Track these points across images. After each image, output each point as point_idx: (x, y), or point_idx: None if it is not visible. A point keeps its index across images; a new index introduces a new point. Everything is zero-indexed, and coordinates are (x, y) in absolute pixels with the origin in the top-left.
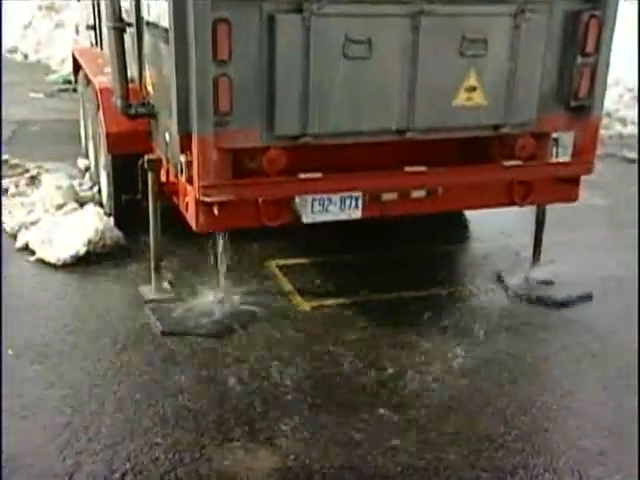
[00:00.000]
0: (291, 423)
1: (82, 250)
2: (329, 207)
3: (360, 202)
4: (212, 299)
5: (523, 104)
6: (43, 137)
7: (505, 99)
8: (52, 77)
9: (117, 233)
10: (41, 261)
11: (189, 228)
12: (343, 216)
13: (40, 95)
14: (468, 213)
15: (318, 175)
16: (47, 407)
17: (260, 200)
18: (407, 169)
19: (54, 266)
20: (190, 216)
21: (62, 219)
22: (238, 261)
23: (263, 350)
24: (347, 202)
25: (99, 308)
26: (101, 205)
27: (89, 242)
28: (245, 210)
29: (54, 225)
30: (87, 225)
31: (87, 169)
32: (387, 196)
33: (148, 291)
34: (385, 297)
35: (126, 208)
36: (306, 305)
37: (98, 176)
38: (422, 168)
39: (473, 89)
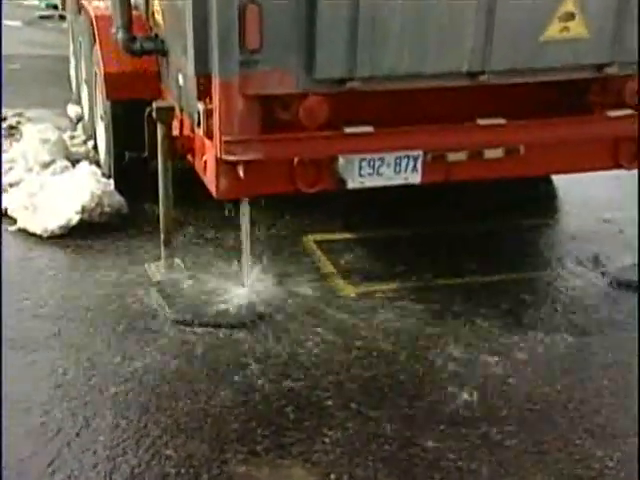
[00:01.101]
0: (332, 435)
1: (74, 219)
2: (381, 169)
3: (420, 163)
4: (235, 281)
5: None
6: (23, 78)
7: (613, 30)
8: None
9: (118, 199)
10: (23, 232)
11: (207, 194)
12: (398, 181)
13: (18, 23)
14: (556, 179)
15: (368, 129)
16: (33, 410)
17: (295, 160)
18: (480, 122)
19: (39, 238)
20: (209, 179)
21: (49, 180)
22: (267, 236)
23: (297, 345)
24: (404, 163)
25: (95, 291)
26: (98, 164)
27: (83, 209)
28: (276, 173)
29: (39, 187)
30: (80, 188)
31: (79, 119)
32: (454, 156)
33: (156, 270)
34: (448, 282)
35: (129, 168)
36: (350, 290)
37: (94, 128)
38: (500, 121)
39: (570, 17)
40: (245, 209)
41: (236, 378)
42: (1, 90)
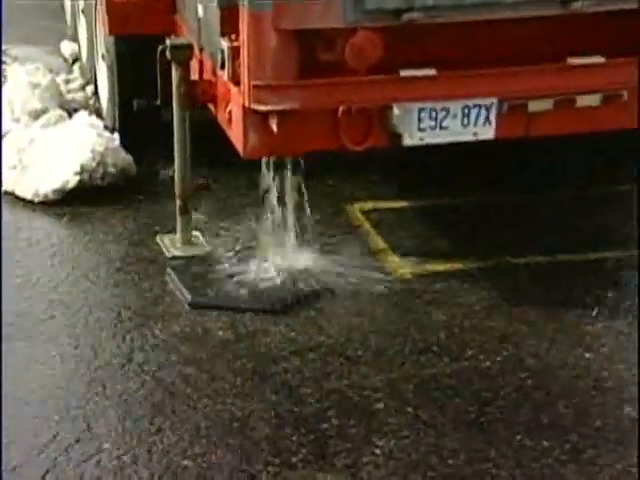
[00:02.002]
0: (383, 445)
1: (72, 181)
2: (445, 122)
3: (494, 114)
4: (265, 259)
5: None
6: (8, 7)
7: None
8: None
9: (124, 157)
10: (10, 196)
11: (233, 152)
12: (466, 136)
13: None
14: None
15: (430, 72)
16: (23, 410)
17: (340, 111)
18: (572, 61)
19: (30, 204)
20: (234, 134)
21: (40, 134)
22: (305, 203)
23: (340, 336)
24: (473, 114)
25: (97, 269)
26: (99, 114)
27: (82, 169)
28: (317, 126)
29: (29, 142)
30: (78, 144)
31: (76, 59)
32: (537, 105)
33: (171, 244)
34: (526, 261)
35: (138, 119)
36: (406, 270)
37: (94, 70)
38: (597, 59)
39: None
40: (278, 172)
41: (267, 375)
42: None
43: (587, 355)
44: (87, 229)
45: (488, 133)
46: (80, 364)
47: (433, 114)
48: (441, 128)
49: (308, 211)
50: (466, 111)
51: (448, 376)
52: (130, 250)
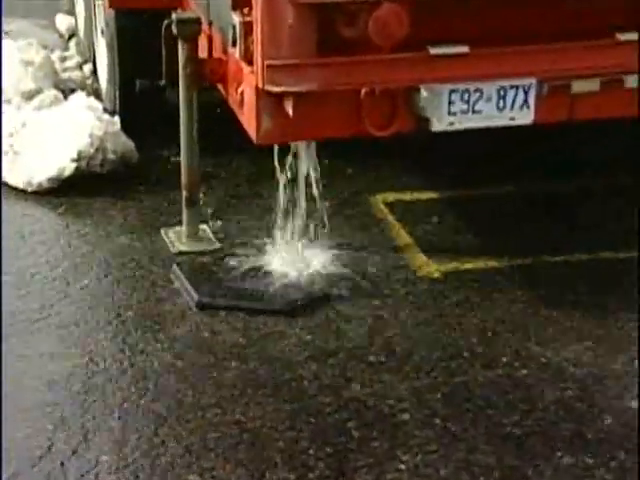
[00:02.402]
0: (408, 460)
1: (68, 169)
2: (478, 105)
3: (533, 96)
4: (280, 255)
5: None
6: None
7: None
8: None
9: (125, 142)
10: (1, 185)
11: (245, 137)
12: (502, 121)
13: None
14: None
15: (462, 50)
16: (15, 418)
17: (363, 93)
18: (620, 37)
19: (22, 193)
20: (246, 117)
21: (34, 116)
22: (324, 194)
23: (361, 340)
24: (510, 96)
25: (95, 265)
26: (98, 95)
27: (79, 156)
28: (337, 109)
29: (21, 126)
30: (75, 128)
31: (72, 34)
32: (581, 86)
33: (176, 238)
34: (565, 259)
35: (140, 101)
36: (434, 269)
37: (92, 46)
38: None
39: None
40: (295, 159)
41: (281, 382)
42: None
43: (636, 363)
44: (85, 221)
45: (526, 117)
46: (77, 369)
47: (465, 96)
48: (474, 112)
49: (326, 203)
50: (502, 93)
51: (480, 385)
52: (131, 245)
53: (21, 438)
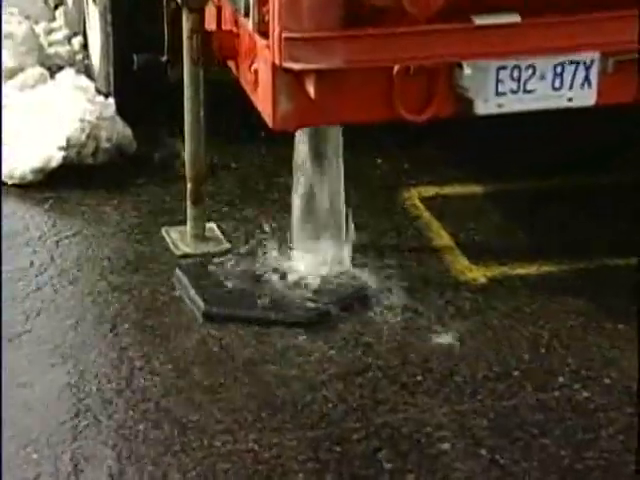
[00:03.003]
0: None
1: (56, 159)
2: (531, 84)
3: (595, 74)
4: (300, 258)
5: None
6: None
7: None
8: None
9: (121, 129)
10: None
11: (259, 121)
12: (558, 102)
13: None
14: None
15: (512, 19)
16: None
17: (396, 71)
18: None
19: (3, 186)
20: (261, 99)
21: (16, 98)
22: (351, 188)
23: (393, 356)
24: (568, 74)
25: (87, 268)
26: (89, 74)
27: (68, 144)
28: (366, 90)
29: (2, 109)
30: (64, 111)
31: (59, 3)
32: None
33: (180, 239)
34: (627, 262)
35: (139, 80)
36: (478, 274)
37: (83, 17)
38: None
39: None
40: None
41: (302, 405)
42: None
43: None
44: (74, 220)
45: (587, 98)
46: (66, 389)
47: (515, 74)
48: (525, 92)
49: (353, 198)
50: (558, 70)
51: (533, 409)
52: (128, 246)
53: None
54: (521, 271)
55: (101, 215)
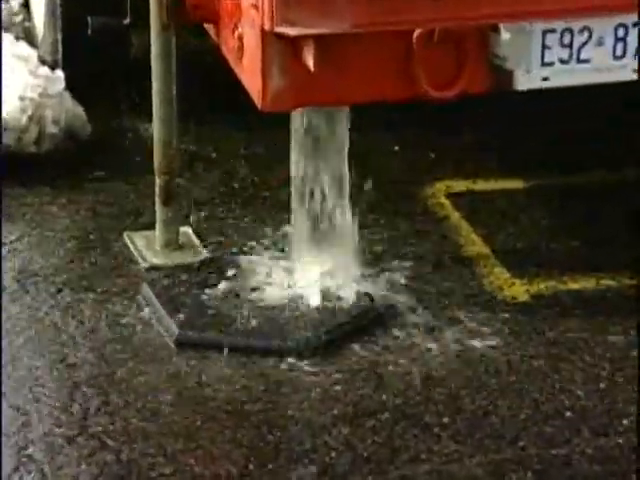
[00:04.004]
0: None
1: None
2: (585, 51)
3: None
4: (296, 270)
5: None
6: None
7: None
8: None
9: (72, 108)
10: None
11: (246, 100)
12: (620, 74)
13: None
14: None
15: None
16: None
17: (416, 37)
18: None
19: None
20: (248, 72)
21: None
22: (361, 183)
23: (413, 391)
24: (633, 38)
25: (31, 284)
26: (32, 40)
27: (6, 127)
28: (379, 61)
29: None
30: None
31: None
32: None
33: (147, 247)
34: None
35: (94, 48)
36: (519, 289)
37: None
38: None
39: None
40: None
41: (300, 453)
42: None
43: None
44: (14, 224)
45: None
46: (4, 436)
47: (566, 39)
48: (579, 61)
49: (363, 195)
50: (621, 33)
51: (590, 460)
52: (82, 256)
53: None
54: (574, 286)
55: (47, 217)
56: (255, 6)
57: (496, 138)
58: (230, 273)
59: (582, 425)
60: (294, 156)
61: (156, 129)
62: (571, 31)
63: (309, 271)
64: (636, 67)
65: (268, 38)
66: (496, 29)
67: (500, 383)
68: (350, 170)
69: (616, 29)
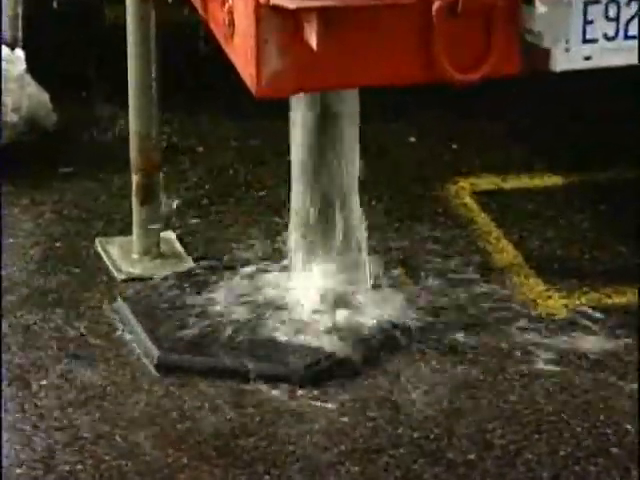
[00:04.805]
0: None
1: None
2: (633, 25)
3: None
4: (295, 283)
5: None
6: None
7: None
8: None
9: (35, 94)
10: None
11: (238, 84)
12: None
13: None
14: None
15: None
16: None
17: (435, 9)
18: None
19: None
20: (241, 53)
21: None
22: (372, 179)
23: (433, 424)
24: None
25: None
26: None
27: None
28: (393, 38)
29: None
30: None
31: None
32: None
33: (123, 256)
34: None
35: (60, 25)
36: (558, 303)
37: None
38: None
39: None
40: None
41: None
42: None
43: None
44: None
45: None
46: None
47: (612, 11)
48: (627, 37)
49: (375, 194)
50: None
51: None
52: (46, 265)
53: None
54: (620, 299)
55: (7, 221)
56: None
57: (529, 125)
58: (219, 285)
59: (631, 464)
60: (292, 149)
61: (132, 118)
62: (617, 3)
63: (310, 285)
64: None
65: (263, 11)
66: (529, 0)
67: (535, 414)
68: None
69: None
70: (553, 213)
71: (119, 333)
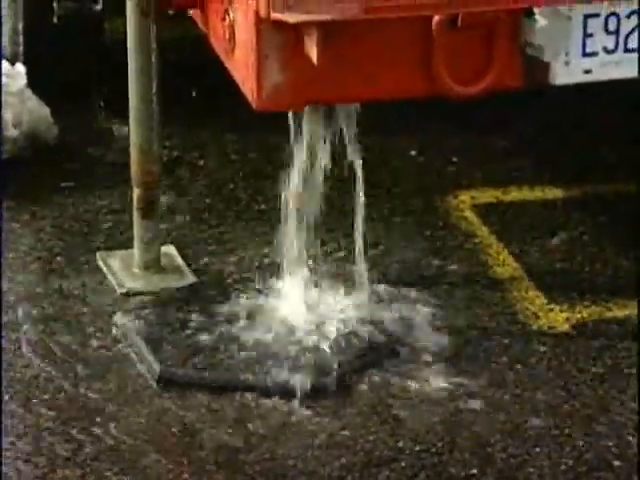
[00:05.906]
0: None
1: None
2: (633, 38)
3: None
4: (295, 297)
5: None
6: None
7: None
8: None
9: (35, 108)
10: None
11: (239, 98)
12: None
13: None
14: None
15: None
16: None
17: (435, 23)
18: None
19: None
20: (241, 67)
21: None
22: (373, 192)
23: (434, 436)
24: None
25: None
26: None
27: None
28: (393, 51)
29: None
30: None
31: None
32: None
33: (124, 270)
34: None
35: (62, 39)
36: (559, 317)
37: None
38: None
39: None
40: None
41: None
42: None
43: None
44: None
45: None
46: None
47: (612, 24)
48: (627, 50)
49: (376, 207)
50: None
51: None
52: (47, 280)
53: None
54: (621, 313)
55: (8, 236)
56: None
57: (529, 138)
58: (220, 300)
59: (634, 477)
60: (291, 163)
61: (133, 132)
62: (617, 16)
63: (310, 299)
64: None
65: (264, 26)
66: (530, 14)
67: (536, 427)
68: (359, 179)
69: None
70: (554, 226)
71: (120, 347)
